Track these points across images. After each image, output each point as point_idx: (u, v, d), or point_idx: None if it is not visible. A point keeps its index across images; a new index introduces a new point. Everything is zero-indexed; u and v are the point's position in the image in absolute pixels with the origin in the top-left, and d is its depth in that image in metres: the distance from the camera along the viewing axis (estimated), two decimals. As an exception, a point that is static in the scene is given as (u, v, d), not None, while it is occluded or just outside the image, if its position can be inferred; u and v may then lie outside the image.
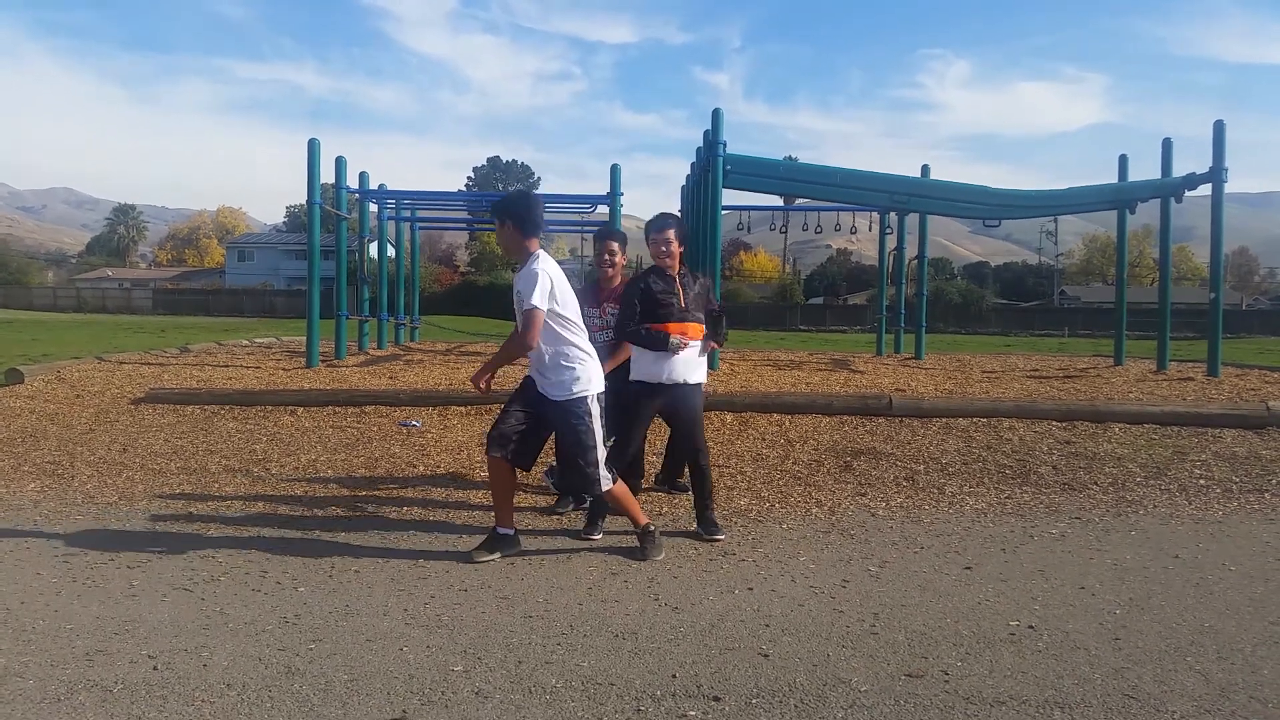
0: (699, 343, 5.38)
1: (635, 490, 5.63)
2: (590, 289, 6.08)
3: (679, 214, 17.08)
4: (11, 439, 7.61)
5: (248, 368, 11.43)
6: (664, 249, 5.43)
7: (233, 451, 7.29)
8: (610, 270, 6.01)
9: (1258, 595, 4.46)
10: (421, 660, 3.56)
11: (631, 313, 5.34)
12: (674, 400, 5.37)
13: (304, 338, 12.51)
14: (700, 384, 5.48)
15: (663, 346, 5.24)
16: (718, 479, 6.62)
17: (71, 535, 5.34)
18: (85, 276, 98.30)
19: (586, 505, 5.71)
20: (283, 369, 11.36)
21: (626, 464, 5.42)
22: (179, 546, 5.13)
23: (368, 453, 7.30)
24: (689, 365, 5.34)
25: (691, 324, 5.35)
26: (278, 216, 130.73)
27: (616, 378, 5.40)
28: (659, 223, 5.51)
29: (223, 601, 4.23)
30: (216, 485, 6.52)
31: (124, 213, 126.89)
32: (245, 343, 16.72)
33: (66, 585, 4.43)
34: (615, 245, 6.05)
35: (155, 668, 3.46)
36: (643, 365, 5.33)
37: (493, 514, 5.20)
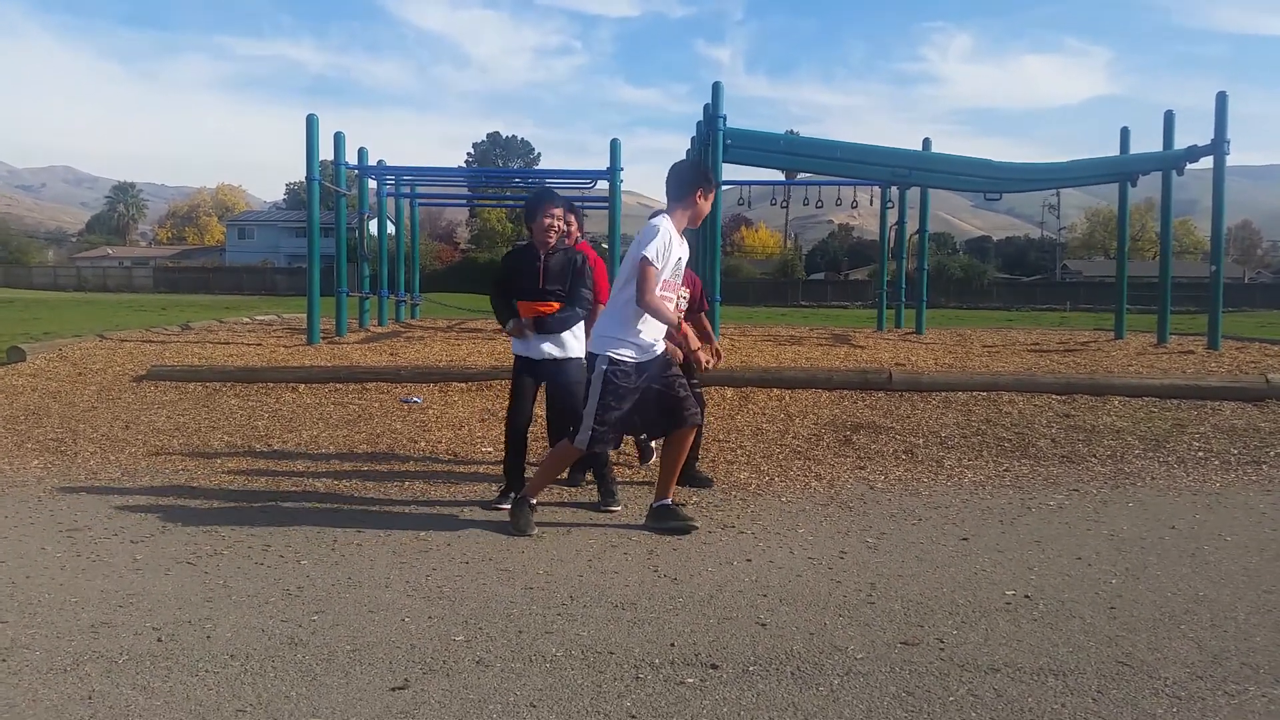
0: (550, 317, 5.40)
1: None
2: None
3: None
4: (15, 416, 7.65)
5: (249, 345, 11.46)
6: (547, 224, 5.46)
7: (235, 428, 7.33)
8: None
9: (1252, 565, 4.50)
10: (423, 630, 3.60)
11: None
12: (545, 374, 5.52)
13: (305, 315, 12.53)
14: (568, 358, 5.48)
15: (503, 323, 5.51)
16: (718, 453, 6.66)
17: (75, 511, 5.38)
18: (85, 255, 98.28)
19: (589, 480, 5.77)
20: (284, 346, 11.39)
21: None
22: (182, 521, 5.17)
23: (369, 429, 7.34)
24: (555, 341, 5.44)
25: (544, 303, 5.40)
26: (278, 194, 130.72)
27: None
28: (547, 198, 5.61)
29: (226, 574, 4.27)
30: (219, 461, 6.56)
31: (123, 191, 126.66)
32: (246, 320, 16.75)
33: (71, 560, 4.47)
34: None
35: (159, 639, 3.50)
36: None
37: (492, 486, 5.24)
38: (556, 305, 5.39)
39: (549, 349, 5.41)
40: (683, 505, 5.26)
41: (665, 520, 5.03)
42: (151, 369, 9.03)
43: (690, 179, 4.98)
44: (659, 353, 4.97)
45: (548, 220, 5.39)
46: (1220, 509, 5.56)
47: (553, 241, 5.41)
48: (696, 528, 4.98)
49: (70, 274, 74.53)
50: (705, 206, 5.04)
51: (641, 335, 4.87)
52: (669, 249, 4.81)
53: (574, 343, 5.45)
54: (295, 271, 61.65)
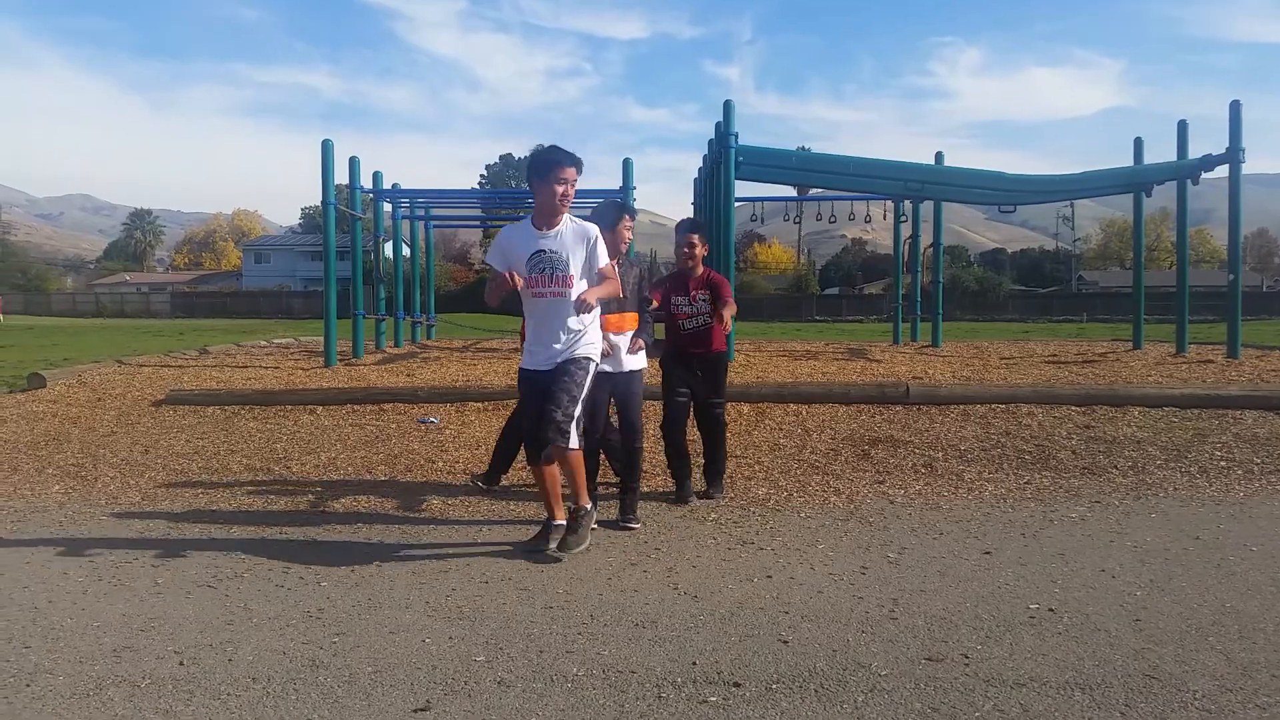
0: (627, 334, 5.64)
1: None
2: (677, 277, 6.28)
3: (691, 207, 17.04)
4: (35, 442, 7.70)
5: (267, 368, 11.52)
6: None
7: (253, 451, 7.35)
8: (690, 262, 6.18)
9: (1279, 575, 4.44)
10: (444, 651, 3.59)
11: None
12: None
13: (322, 338, 12.59)
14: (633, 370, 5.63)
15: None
16: (735, 469, 6.63)
17: (96, 535, 5.40)
18: (103, 281, 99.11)
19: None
20: (301, 369, 11.44)
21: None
22: (202, 544, 5.19)
23: (387, 450, 7.35)
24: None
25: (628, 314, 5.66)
26: (293, 218, 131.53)
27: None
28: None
29: (247, 597, 4.27)
30: (238, 484, 6.58)
31: (140, 218, 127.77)
32: (264, 343, 16.85)
33: (93, 584, 4.49)
34: (695, 238, 6.21)
35: (181, 663, 3.50)
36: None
37: (510, 505, 5.26)
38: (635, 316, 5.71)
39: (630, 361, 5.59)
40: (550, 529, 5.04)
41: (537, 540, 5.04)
42: (170, 393, 9.08)
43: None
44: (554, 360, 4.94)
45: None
46: (1245, 519, 5.51)
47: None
48: (553, 557, 4.86)
49: (89, 300, 75.20)
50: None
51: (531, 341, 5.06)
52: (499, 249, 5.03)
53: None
54: (312, 295, 62.00)
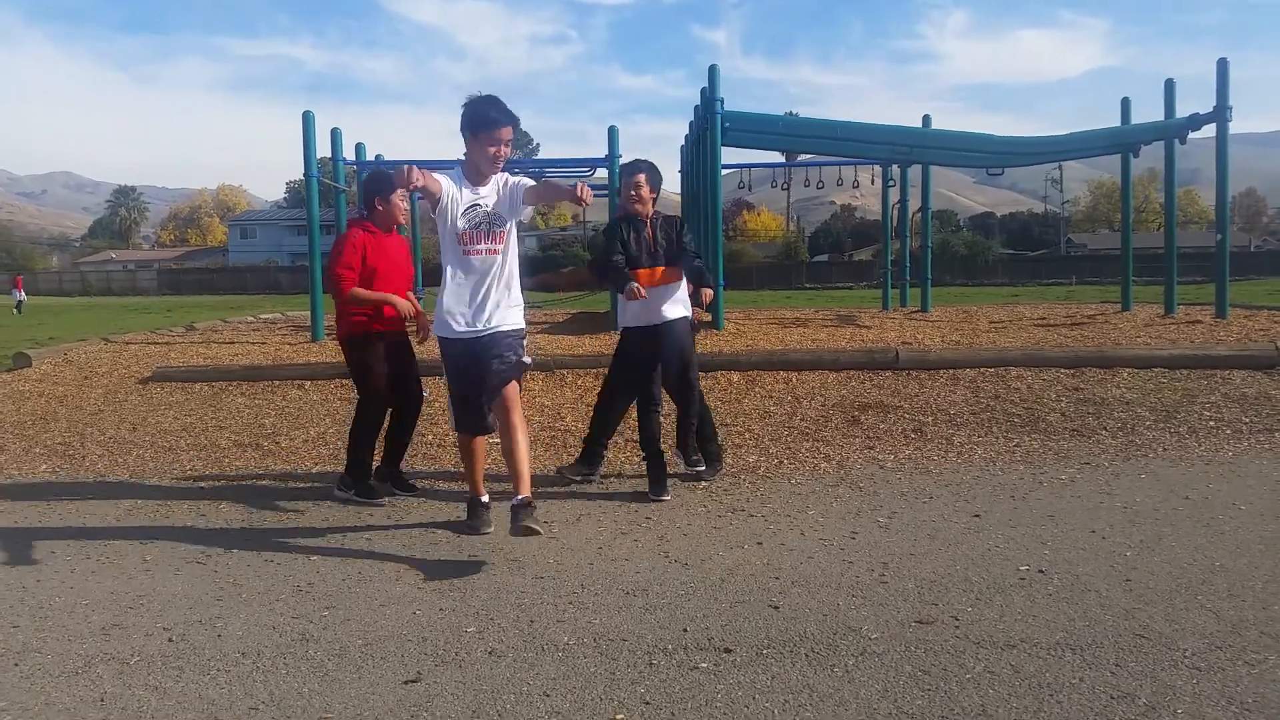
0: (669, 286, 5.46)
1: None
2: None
3: (679, 174, 16.93)
4: (22, 422, 7.65)
5: (254, 344, 11.46)
6: (633, 193, 5.55)
7: (242, 426, 7.31)
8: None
9: (1269, 533, 4.46)
10: (435, 623, 3.59)
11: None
12: (660, 338, 5.46)
13: (308, 312, 12.51)
14: (683, 318, 5.55)
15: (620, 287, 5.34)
16: (726, 437, 6.61)
17: (84, 514, 5.38)
18: (89, 260, 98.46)
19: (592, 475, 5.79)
20: (289, 344, 11.39)
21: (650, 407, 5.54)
22: (191, 521, 5.17)
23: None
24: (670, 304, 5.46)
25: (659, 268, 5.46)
26: (278, 193, 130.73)
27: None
28: (629, 167, 5.70)
29: (236, 573, 4.26)
30: (226, 460, 6.55)
31: (124, 194, 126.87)
32: (251, 319, 16.76)
33: (81, 562, 4.47)
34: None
35: (170, 639, 3.49)
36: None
37: (498, 484, 5.19)
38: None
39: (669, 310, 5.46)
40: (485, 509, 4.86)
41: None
42: (157, 370, 9.02)
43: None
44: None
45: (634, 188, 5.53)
46: (1234, 478, 5.52)
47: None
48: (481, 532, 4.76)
49: (74, 279, 74.75)
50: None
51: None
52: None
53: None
54: (299, 270, 61.71)
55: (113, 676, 3.18)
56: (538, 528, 4.26)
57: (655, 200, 5.66)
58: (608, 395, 5.82)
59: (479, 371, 4.54)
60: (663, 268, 5.45)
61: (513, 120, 4.56)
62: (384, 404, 5.53)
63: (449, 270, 4.60)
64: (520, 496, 4.37)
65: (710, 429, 5.92)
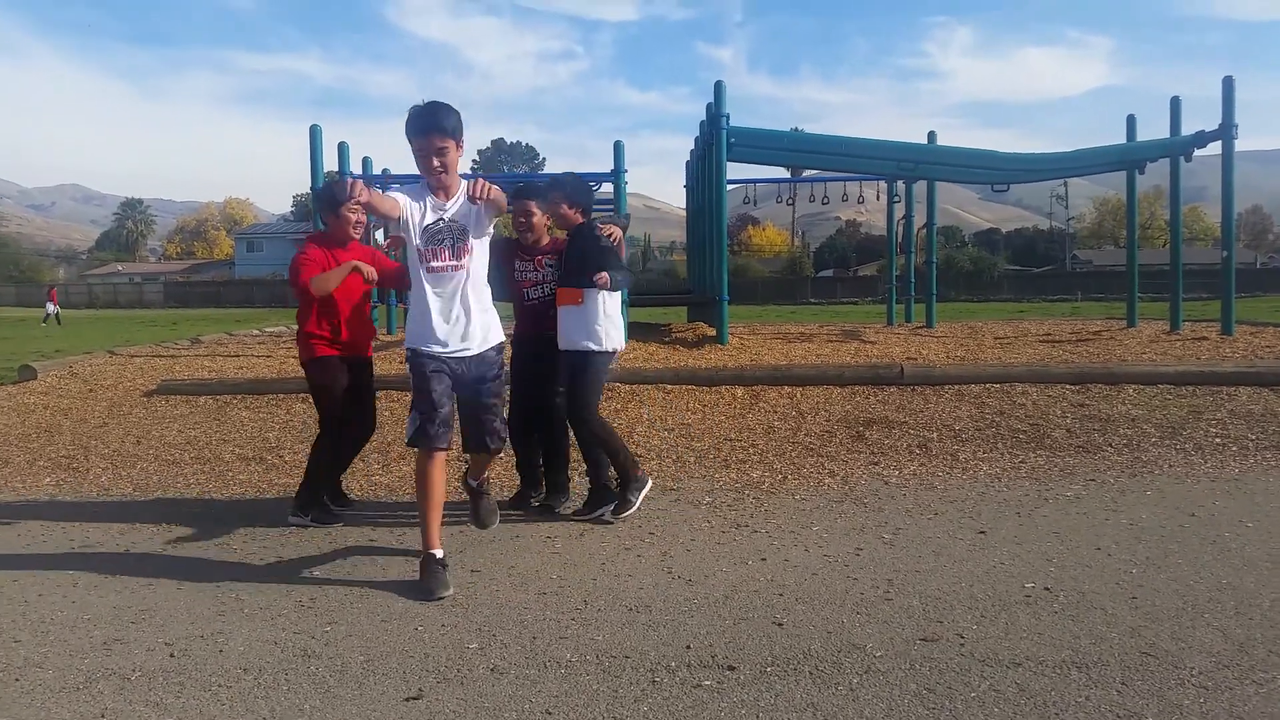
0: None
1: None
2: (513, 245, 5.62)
3: (685, 189, 16.93)
4: (26, 435, 7.65)
5: (259, 357, 11.46)
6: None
7: (246, 440, 7.31)
8: (531, 235, 5.48)
9: (1276, 551, 4.43)
10: (437, 639, 3.57)
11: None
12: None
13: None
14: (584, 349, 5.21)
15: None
16: (730, 452, 6.61)
17: (88, 528, 5.37)
18: (96, 272, 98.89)
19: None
20: (294, 358, 11.37)
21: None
22: (194, 535, 5.16)
23: (380, 437, 7.28)
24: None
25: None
26: (285, 206, 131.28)
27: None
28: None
29: (238, 587, 4.24)
30: (230, 474, 6.55)
31: (132, 207, 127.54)
32: (256, 332, 16.77)
33: (83, 576, 4.46)
34: (531, 205, 5.45)
35: (172, 655, 3.48)
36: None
37: (503, 489, 5.18)
38: None
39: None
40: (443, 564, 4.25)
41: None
42: (162, 383, 9.03)
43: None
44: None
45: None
46: (1240, 495, 5.50)
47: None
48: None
49: (81, 291, 74.95)
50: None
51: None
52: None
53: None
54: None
55: (114, 692, 3.17)
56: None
57: (584, 213, 5.38)
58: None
59: (441, 387, 4.34)
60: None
61: (437, 128, 4.17)
62: (341, 426, 5.44)
63: (415, 287, 4.43)
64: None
65: (561, 460, 5.60)
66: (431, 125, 4.16)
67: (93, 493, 6.21)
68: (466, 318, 4.39)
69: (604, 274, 5.01)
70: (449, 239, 4.33)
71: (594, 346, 5.17)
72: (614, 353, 5.31)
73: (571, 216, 5.31)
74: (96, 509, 5.80)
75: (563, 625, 3.69)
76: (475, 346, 4.41)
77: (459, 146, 4.30)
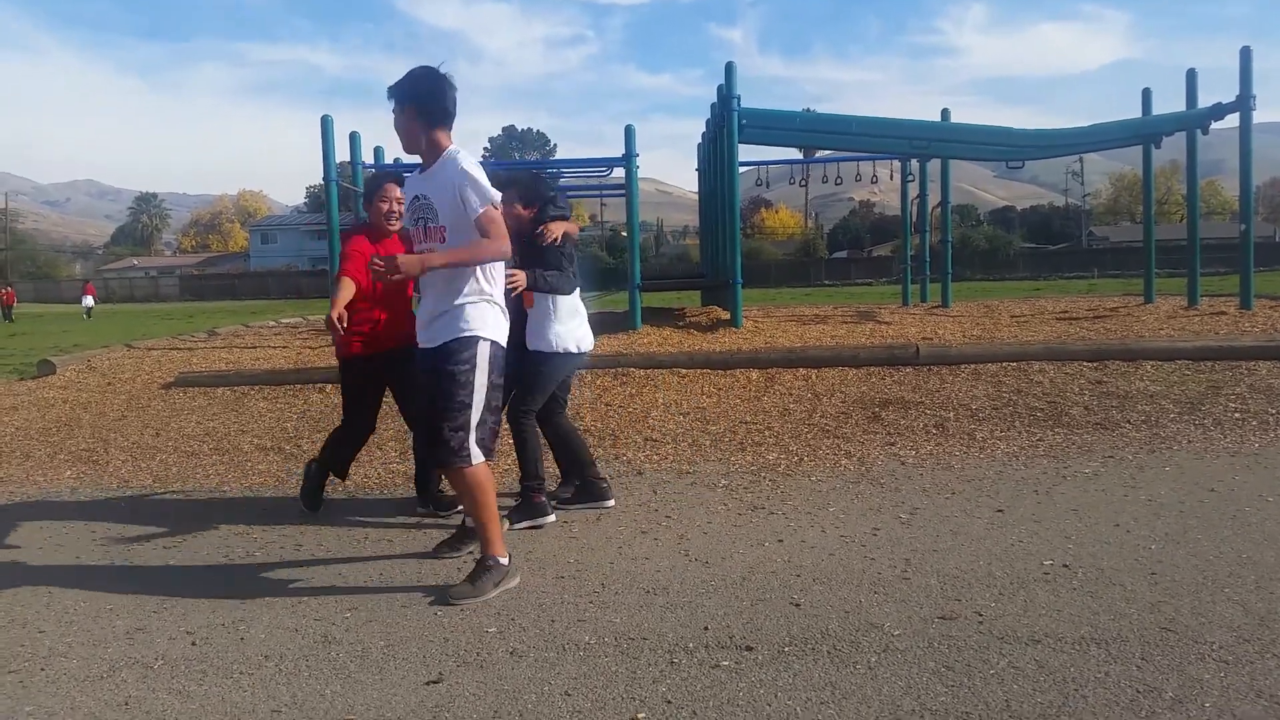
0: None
1: None
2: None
3: (696, 172, 16.86)
4: (47, 429, 7.72)
5: (275, 348, 11.51)
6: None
7: (264, 431, 7.35)
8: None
9: (1296, 525, 4.40)
10: (456, 624, 3.59)
11: None
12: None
13: (329, 316, 12.55)
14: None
15: None
16: (746, 435, 6.61)
17: (108, 519, 5.41)
18: (112, 267, 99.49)
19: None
20: (310, 348, 11.43)
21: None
22: (213, 524, 5.19)
23: (398, 425, 7.32)
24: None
25: None
26: (298, 198, 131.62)
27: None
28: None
29: (258, 575, 4.28)
30: (249, 464, 6.59)
31: (146, 201, 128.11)
32: (272, 324, 16.83)
33: (105, 567, 4.50)
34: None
35: (194, 643, 3.51)
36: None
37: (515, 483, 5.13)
38: None
39: None
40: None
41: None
42: (179, 376, 9.08)
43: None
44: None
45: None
46: (1260, 469, 5.46)
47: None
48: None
49: (98, 286, 75.44)
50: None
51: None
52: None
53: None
54: (320, 274, 62.06)
55: (136, 680, 3.20)
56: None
57: (541, 212, 5.03)
58: None
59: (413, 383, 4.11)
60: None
61: (389, 96, 3.90)
62: (366, 428, 5.38)
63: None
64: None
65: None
66: (394, 90, 3.90)
67: (113, 485, 6.26)
68: (431, 309, 4.01)
69: (517, 273, 4.63)
70: (424, 220, 3.99)
71: (544, 348, 4.97)
72: (566, 354, 5.01)
73: (525, 217, 4.97)
74: (117, 501, 5.85)
75: (581, 608, 3.70)
76: (424, 340, 4.04)
77: (403, 109, 3.89)
